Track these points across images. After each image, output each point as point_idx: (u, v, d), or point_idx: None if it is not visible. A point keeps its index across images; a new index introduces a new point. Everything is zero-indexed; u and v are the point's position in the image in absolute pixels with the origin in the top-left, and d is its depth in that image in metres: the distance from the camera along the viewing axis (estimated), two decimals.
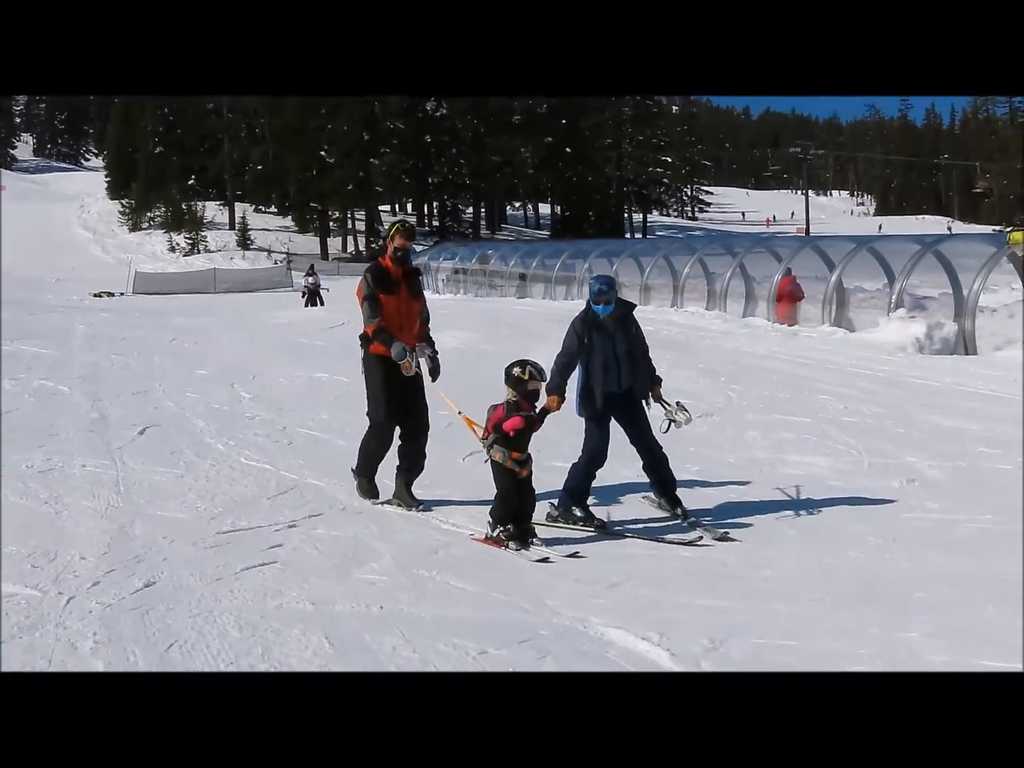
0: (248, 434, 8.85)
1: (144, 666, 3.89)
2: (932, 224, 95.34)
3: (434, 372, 6.59)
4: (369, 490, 6.62)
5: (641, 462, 6.39)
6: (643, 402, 6.31)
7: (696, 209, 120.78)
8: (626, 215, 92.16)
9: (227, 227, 70.42)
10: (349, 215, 72.59)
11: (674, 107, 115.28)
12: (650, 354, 6.46)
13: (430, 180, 77.75)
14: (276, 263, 59.03)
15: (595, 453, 6.25)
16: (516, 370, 5.77)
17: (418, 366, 6.37)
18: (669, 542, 5.72)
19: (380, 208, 76.34)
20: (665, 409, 6.38)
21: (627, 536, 5.90)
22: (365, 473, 6.64)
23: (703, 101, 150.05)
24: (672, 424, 6.37)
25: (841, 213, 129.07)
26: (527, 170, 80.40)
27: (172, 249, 65.44)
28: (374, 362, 6.45)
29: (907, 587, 4.96)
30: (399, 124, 71.63)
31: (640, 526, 6.09)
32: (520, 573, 5.26)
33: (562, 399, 6.11)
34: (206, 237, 66.55)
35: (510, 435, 5.69)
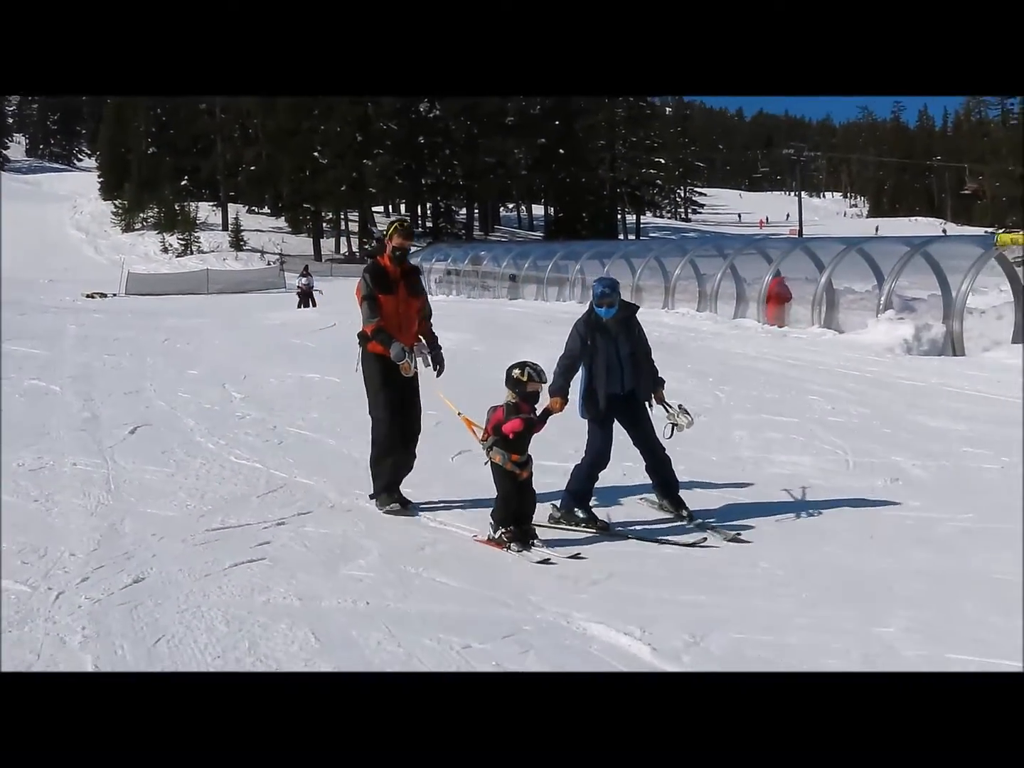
0: (239, 433, 8.90)
1: (132, 659, 3.94)
2: (925, 226, 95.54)
3: (438, 367, 6.58)
4: (394, 501, 6.41)
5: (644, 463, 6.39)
6: (646, 404, 6.34)
7: (689, 211, 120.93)
8: (619, 216, 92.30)
9: (220, 228, 70.39)
10: (342, 216, 72.62)
11: (667, 108, 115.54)
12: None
13: (423, 181, 77.81)
14: (269, 264, 59.01)
15: (598, 455, 6.25)
16: (516, 371, 5.77)
17: (416, 367, 6.39)
18: (672, 544, 5.74)
19: (373, 209, 76.34)
20: (667, 412, 6.38)
21: (629, 537, 5.90)
22: (383, 487, 6.45)
23: (696, 103, 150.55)
24: (675, 428, 6.39)
25: (834, 215, 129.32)
26: (520, 171, 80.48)
27: (165, 250, 65.36)
28: (372, 361, 6.47)
29: (886, 583, 5.03)
30: (392, 125, 71.69)
31: (642, 528, 6.10)
32: (505, 570, 5.31)
33: (565, 400, 6.11)
34: (199, 238, 66.51)
35: (509, 437, 5.71)
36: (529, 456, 5.80)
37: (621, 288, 6.51)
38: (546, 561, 5.42)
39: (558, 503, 6.29)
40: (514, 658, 4.02)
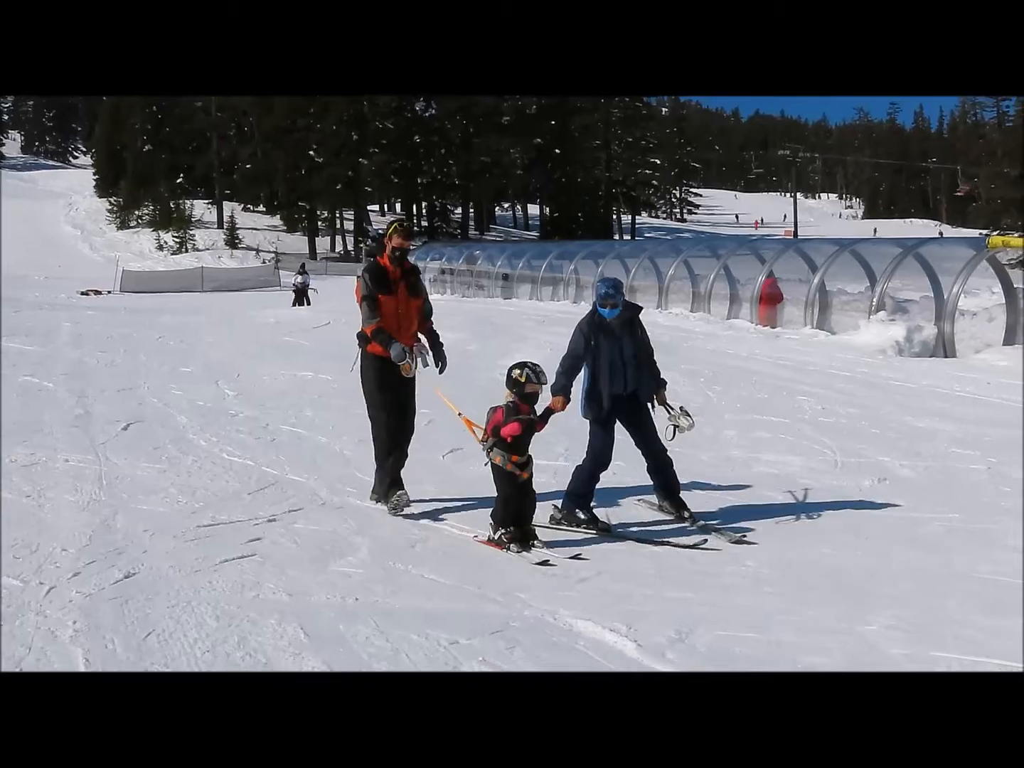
0: (231, 430, 8.93)
1: (122, 653, 3.98)
2: (921, 228, 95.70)
3: (440, 364, 6.59)
4: (402, 490, 6.37)
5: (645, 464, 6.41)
6: (648, 405, 6.36)
7: (685, 211, 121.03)
8: (615, 217, 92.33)
9: (215, 226, 70.30)
10: (337, 215, 72.56)
11: (663, 109, 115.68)
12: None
13: (419, 180, 77.76)
14: (264, 262, 59.00)
15: (599, 456, 6.25)
16: (516, 372, 5.78)
17: (416, 367, 6.40)
18: (674, 545, 5.75)
19: (369, 208, 76.30)
20: (669, 414, 6.38)
21: (631, 539, 5.90)
22: (392, 483, 6.41)
23: (693, 103, 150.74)
24: (676, 429, 6.39)
25: (830, 216, 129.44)
26: (516, 171, 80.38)
27: (160, 247, 65.32)
28: (371, 362, 6.49)
29: (870, 582, 5.08)
30: (388, 124, 71.62)
31: (642, 529, 6.11)
32: (495, 568, 5.35)
33: (567, 400, 6.12)
34: (194, 236, 66.46)
35: (508, 441, 5.72)
36: (529, 456, 5.80)
37: None
38: (545, 562, 5.41)
39: (559, 504, 6.29)
40: (501, 654, 4.05)
